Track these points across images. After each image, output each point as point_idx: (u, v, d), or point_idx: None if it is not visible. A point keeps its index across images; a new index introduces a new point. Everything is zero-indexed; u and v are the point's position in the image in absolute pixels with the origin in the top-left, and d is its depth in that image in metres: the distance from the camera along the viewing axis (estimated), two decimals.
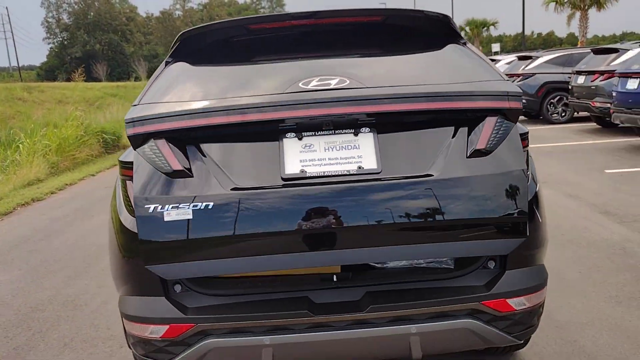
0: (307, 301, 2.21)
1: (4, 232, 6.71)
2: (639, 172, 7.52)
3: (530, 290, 2.27)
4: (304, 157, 2.17)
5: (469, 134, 2.22)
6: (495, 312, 2.21)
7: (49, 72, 64.56)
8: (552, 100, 13.63)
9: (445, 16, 2.76)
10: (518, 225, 2.19)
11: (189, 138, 2.22)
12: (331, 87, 2.25)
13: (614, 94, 9.38)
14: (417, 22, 2.82)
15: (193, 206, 2.07)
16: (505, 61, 16.96)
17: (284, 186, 2.12)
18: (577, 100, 11.83)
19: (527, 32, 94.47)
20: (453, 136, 2.22)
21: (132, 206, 2.22)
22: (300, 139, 2.19)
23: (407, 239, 2.14)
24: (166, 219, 2.07)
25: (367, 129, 2.20)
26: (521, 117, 14.87)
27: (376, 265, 2.46)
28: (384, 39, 2.86)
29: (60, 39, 69.14)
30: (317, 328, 2.17)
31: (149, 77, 51.18)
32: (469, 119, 2.25)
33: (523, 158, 2.25)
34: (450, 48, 2.66)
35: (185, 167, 2.16)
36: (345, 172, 2.14)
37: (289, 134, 2.20)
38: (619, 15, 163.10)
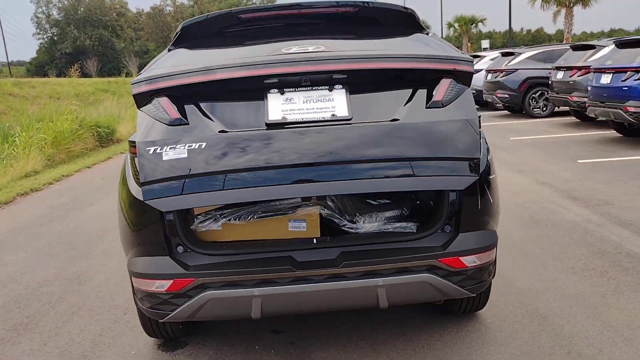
0: (290, 259, 2.61)
1: (7, 219, 7.04)
2: (608, 162, 7.96)
3: (481, 250, 2.68)
4: (285, 107, 2.59)
5: (428, 91, 2.66)
6: (450, 268, 2.61)
7: (39, 67, 64.28)
8: (533, 95, 14.09)
9: (411, 10, 3.20)
10: (471, 164, 2.61)
11: (185, 94, 2.64)
12: (309, 51, 2.68)
13: (589, 88, 9.83)
14: (386, 13, 3.27)
15: (188, 146, 2.47)
16: (489, 57, 17.41)
17: (267, 129, 2.53)
18: (557, 95, 12.28)
19: (517, 29, 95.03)
20: (414, 93, 2.66)
21: (139, 177, 2.60)
22: (282, 93, 2.61)
23: (375, 174, 2.53)
24: (164, 158, 2.46)
25: (340, 86, 2.63)
26: (503, 112, 15.37)
27: (350, 230, 2.86)
28: (358, 27, 3.34)
29: (50, 34, 68.82)
30: (299, 281, 2.56)
31: (139, 72, 51.44)
32: (428, 80, 2.69)
33: (475, 113, 2.69)
34: (415, 35, 3.11)
35: (182, 116, 2.56)
36: (321, 119, 2.56)
37: (272, 90, 2.62)
38: (608, 11, 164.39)
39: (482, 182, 2.70)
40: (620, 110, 8.80)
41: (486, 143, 2.93)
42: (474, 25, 52.20)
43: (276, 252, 2.68)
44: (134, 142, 2.72)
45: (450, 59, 2.70)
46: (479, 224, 2.73)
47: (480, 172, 2.65)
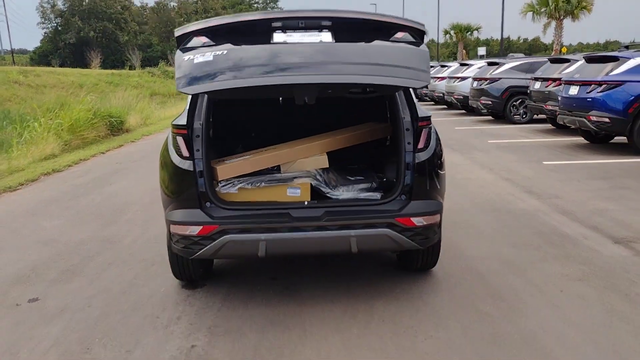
0: (288, 215, 3.60)
1: (36, 194, 8.00)
2: (569, 164, 8.98)
3: (427, 213, 3.68)
4: (287, 38, 3.48)
5: (390, 35, 3.55)
6: (403, 226, 3.61)
7: (43, 57, 64.93)
8: (514, 103, 15.12)
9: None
10: (416, 72, 3.36)
11: (215, 33, 3.48)
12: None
13: (559, 98, 10.86)
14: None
15: (213, 54, 3.28)
16: (476, 66, 18.42)
17: (272, 44, 3.42)
18: (534, 104, 13.31)
19: (514, 37, 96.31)
20: (379, 35, 3.53)
21: (181, 151, 3.59)
22: (284, 32, 3.49)
23: (351, 70, 3.35)
24: (195, 61, 3.28)
25: (327, 30, 3.52)
26: (487, 117, 16.39)
27: (332, 196, 3.87)
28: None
29: (55, 24, 69.48)
30: (294, 230, 3.56)
31: (142, 66, 50.44)
32: (390, 32, 3.57)
33: (421, 48, 3.49)
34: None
35: (211, 41, 3.44)
36: (312, 42, 3.46)
37: (277, 30, 3.49)
38: (605, 23, 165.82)
39: (430, 163, 3.70)
40: (584, 119, 9.83)
41: (437, 134, 3.92)
42: (469, 32, 53.28)
43: (277, 209, 3.67)
44: (176, 124, 3.71)
45: (406, 21, 3.59)
46: (426, 195, 3.74)
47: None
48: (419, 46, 3.49)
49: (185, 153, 3.67)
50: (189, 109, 3.77)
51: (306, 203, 3.78)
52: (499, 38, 40.37)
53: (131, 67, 44.93)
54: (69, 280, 4.57)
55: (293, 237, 3.56)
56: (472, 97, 16.39)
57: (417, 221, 3.64)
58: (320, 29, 3.54)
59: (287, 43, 3.47)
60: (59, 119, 12.35)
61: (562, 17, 34.13)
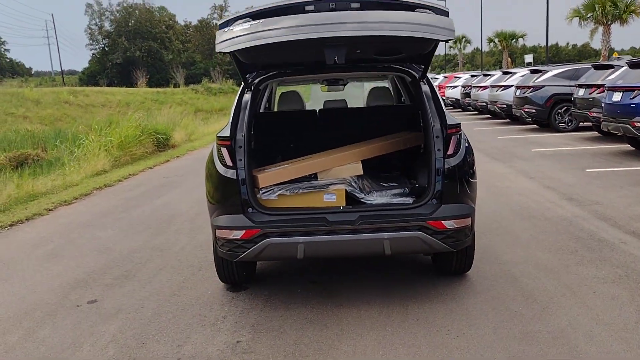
0: (324, 219, 3.82)
1: (90, 207, 8.47)
2: (612, 171, 8.90)
3: (458, 217, 3.83)
4: None
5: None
6: (435, 229, 3.78)
7: (91, 77, 67.42)
8: (559, 111, 14.97)
9: None
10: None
11: (254, 17, 3.60)
12: None
13: (603, 105, 10.76)
14: None
15: (250, 23, 3.46)
16: (519, 74, 18.31)
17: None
18: (579, 111, 13.17)
19: (563, 44, 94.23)
20: None
21: (225, 161, 3.86)
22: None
23: (379, 27, 3.45)
24: (233, 29, 3.49)
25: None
26: (531, 126, 16.26)
27: (366, 202, 4.07)
28: None
29: (102, 45, 72.23)
30: (330, 234, 3.77)
31: (186, 84, 51.84)
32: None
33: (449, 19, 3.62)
34: None
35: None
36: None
37: (309, 12, 3.58)
38: None
39: (460, 168, 3.86)
40: (628, 125, 9.72)
41: (467, 141, 4.09)
42: (514, 40, 52.67)
43: (315, 214, 3.90)
44: (220, 136, 3.99)
45: (431, 4, 3.71)
46: (457, 199, 3.90)
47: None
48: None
49: (229, 162, 3.95)
50: (231, 122, 4.05)
51: (341, 208, 4.00)
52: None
53: (175, 85, 46.23)
54: (123, 285, 4.90)
55: (329, 240, 3.78)
56: (516, 105, 16.30)
57: (448, 224, 3.80)
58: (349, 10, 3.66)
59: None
60: (109, 137, 12.95)
61: (609, 22, 33.39)
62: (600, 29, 34.18)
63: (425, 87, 4.24)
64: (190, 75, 61.56)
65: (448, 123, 3.95)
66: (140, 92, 38.09)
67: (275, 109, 6.21)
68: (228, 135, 3.98)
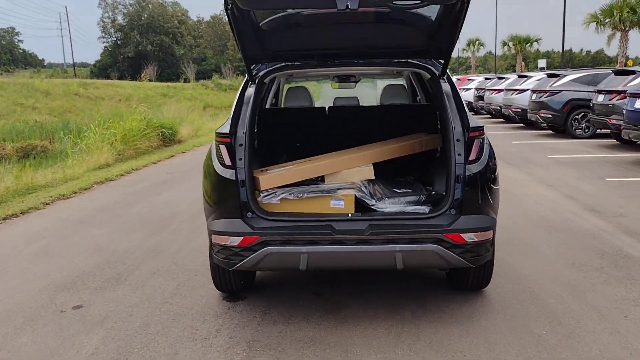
0: (330, 227, 3.46)
1: (88, 202, 8.16)
2: (635, 181, 8.48)
3: (478, 229, 3.46)
4: None
5: None
6: (453, 242, 3.40)
7: (102, 70, 67.40)
8: (576, 116, 14.52)
9: None
10: None
11: None
12: None
13: (624, 112, 10.32)
14: None
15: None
16: (535, 78, 17.85)
17: None
18: (597, 117, 12.71)
19: (576, 50, 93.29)
20: None
21: (224, 160, 3.51)
22: None
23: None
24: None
25: None
26: (546, 131, 15.81)
27: (377, 209, 3.70)
28: None
29: (115, 38, 72.18)
30: (336, 244, 3.41)
31: (197, 79, 51.82)
32: None
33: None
34: None
35: None
36: None
37: None
38: None
39: (482, 175, 3.49)
40: None
41: (490, 146, 3.71)
42: (528, 44, 52.06)
43: (320, 221, 3.54)
44: (220, 132, 3.64)
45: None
46: (478, 209, 3.52)
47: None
48: None
49: (228, 162, 3.60)
50: (232, 117, 3.70)
51: (350, 215, 3.63)
52: (560, 50, 39.32)
53: (186, 80, 45.99)
54: (113, 288, 4.56)
55: (335, 251, 3.42)
56: (531, 110, 15.85)
57: (468, 237, 3.43)
58: None
59: None
60: (112, 129, 12.65)
61: (627, 29, 32.73)
62: (618, 35, 33.56)
63: (445, 85, 3.86)
64: (201, 71, 61.34)
65: (471, 125, 3.58)
66: (149, 85, 37.83)
67: (282, 106, 5.83)
68: (228, 131, 3.62)
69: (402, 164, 4.40)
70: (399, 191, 3.94)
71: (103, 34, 72.89)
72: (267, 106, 5.44)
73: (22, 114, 23.41)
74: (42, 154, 12.23)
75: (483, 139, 3.65)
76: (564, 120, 14.67)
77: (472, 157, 3.55)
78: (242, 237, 3.46)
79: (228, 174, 3.58)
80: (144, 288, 4.54)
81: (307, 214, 3.69)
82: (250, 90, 3.91)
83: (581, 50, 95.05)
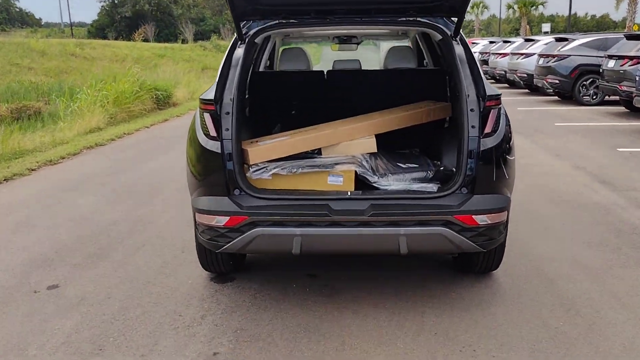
0: (327, 207, 3.09)
1: (76, 168, 7.78)
2: None
3: (492, 211, 3.09)
4: None
5: None
6: (464, 225, 3.05)
7: (99, 30, 66.01)
8: (584, 82, 14.02)
9: None
10: None
11: None
12: None
13: (637, 78, 9.85)
14: None
15: None
16: (543, 42, 17.24)
17: None
18: (607, 84, 12.22)
19: (581, 14, 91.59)
20: None
21: (208, 130, 3.12)
22: None
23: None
24: None
25: None
26: (553, 97, 15.33)
27: (380, 187, 3.32)
28: None
29: None
30: (334, 226, 3.05)
31: (195, 40, 50.79)
32: None
33: None
34: None
35: None
36: None
37: None
38: None
39: (498, 150, 3.10)
40: None
41: (506, 116, 3.31)
42: (534, 7, 50.88)
43: (316, 200, 3.17)
44: (204, 99, 3.24)
45: None
46: (492, 188, 3.14)
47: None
48: None
49: (213, 132, 3.20)
50: (218, 82, 3.30)
51: (349, 194, 3.24)
52: (564, 14, 38.28)
53: (184, 41, 44.97)
54: (93, 266, 4.24)
55: (332, 234, 3.06)
56: (538, 75, 15.31)
57: (480, 219, 3.07)
58: None
59: None
60: (104, 92, 12.18)
61: None
62: None
63: (458, 48, 3.42)
64: (200, 32, 60.01)
65: (487, 94, 3.17)
66: (146, 46, 36.94)
67: (277, 69, 5.38)
68: (212, 97, 3.21)
69: (406, 134, 3.99)
70: (404, 166, 3.55)
71: None
72: (261, 69, 5.00)
73: (18, 74, 22.83)
74: (37, 116, 11.81)
75: (499, 108, 3.26)
76: (571, 86, 14.16)
77: (487, 129, 3.16)
78: (229, 217, 3.10)
79: (213, 146, 3.19)
80: (126, 266, 4.21)
81: (301, 191, 3.32)
82: (240, 51, 3.48)
83: (586, 14, 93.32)
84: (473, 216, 3.05)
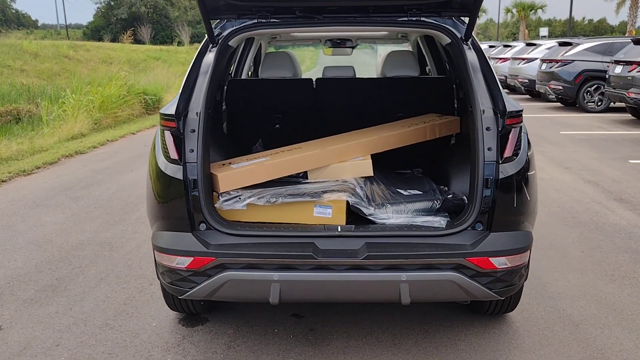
0: (312, 246, 2.54)
1: (50, 179, 7.21)
2: None
3: (513, 252, 2.54)
4: None
5: None
6: (478, 269, 2.49)
7: (95, 32, 65.57)
8: (589, 89, 13.51)
9: None
10: None
11: None
12: None
13: None
14: None
15: None
16: (545, 46, 16.75)
17: None
18: (613, 90, 11.71)
19: (578, 18, 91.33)
20: None
21: (168, 152, 2.57)
22: None
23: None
24: None
25: None
26: (555, 104, 14.81)
27: (377, 220, 2.76)
28: None
29: None
30: (320, 270, 2.49)
31: (192, 42, 50.79)
32: None
33: None
34: None
35: None
36: None
37: None
38: None
39: (519, 178, 2.56)
40: None
41: (528, 139, 2.77)
42: (533, 11, 50.50)
43: (299, 237, 2.61)
44: (165, 114, 2.69)
45: None
46: (513, 224, 2.59)
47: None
48: None
49: (174, 154, 2.64)
50: (181, 92, 2.74)
51: (339, 229, 2.68)
52: (562, 18, 37.82)
53: (180, 43, 44.54)
54: (46, 302, 3.67)
55: (318, 279, 2.50)
56: (540, 80, 14.79)
57: (499, 262, 2.52)
58: None
59: None
60: (89, 96, 11.60)
61: None
62: (628, 2, 32.19)
63: (470, 53, 2.86)
64: (196, 34, 59.58)
65: (508, 110, 2.63)
66: (141, 49, 36.44)
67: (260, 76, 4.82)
68: (173, 113, 2.65)
69: (405, 150, 3.43)
70: (405, 193, 2.99)
71: None
72: (244, 77, 4.44)
73: (10, 76, 22.31)
74: (28, 119, 11.24)
75: (521, 127, 2.71)
76: (575, 92, 13.67)
77: (507, 153, 2.61)
78: (192, 258, 2.54)
79: (174, 170, 2.63)
80: (83, 303, 3.65)
81: (281, 225, 2.75)
82: (210, 56, 2.91)
83: (583, 18, 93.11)
84: (490, 258, 2.50)
